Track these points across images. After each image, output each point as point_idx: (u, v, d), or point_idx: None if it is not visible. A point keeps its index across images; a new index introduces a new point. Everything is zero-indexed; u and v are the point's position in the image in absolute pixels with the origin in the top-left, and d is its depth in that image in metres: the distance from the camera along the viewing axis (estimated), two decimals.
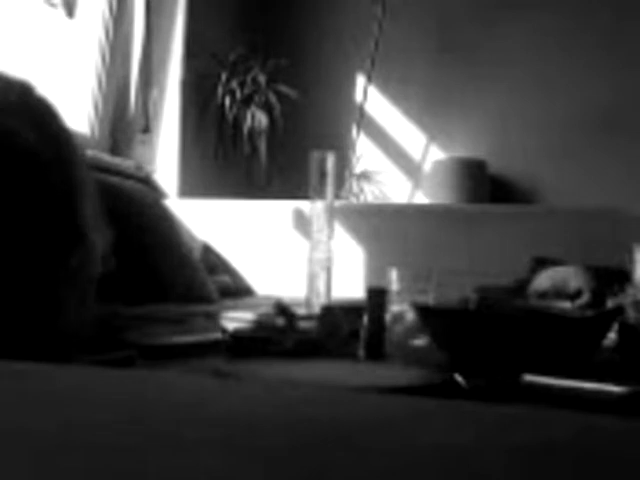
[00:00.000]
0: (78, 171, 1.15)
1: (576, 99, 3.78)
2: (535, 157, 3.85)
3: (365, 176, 3.95)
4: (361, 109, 3.88)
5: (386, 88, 3.99)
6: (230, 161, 3.62)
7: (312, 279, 1.84)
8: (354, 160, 3.87)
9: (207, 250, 2.75)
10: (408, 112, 4.00)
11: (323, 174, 1.86)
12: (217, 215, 2.98)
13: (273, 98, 3.66)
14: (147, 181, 2.87)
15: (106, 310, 1.39)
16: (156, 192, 2.85)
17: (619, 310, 1.24)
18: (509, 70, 3.87)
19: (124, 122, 3.27)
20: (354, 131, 3.88)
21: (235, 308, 1.91)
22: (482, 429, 0.52)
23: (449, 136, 3.97)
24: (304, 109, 3.75)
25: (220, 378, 1.00)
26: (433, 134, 3.98)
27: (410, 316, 1.27)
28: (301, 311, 1.51)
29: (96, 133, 3.16)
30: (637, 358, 1.19)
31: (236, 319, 1.50)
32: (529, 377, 0.97)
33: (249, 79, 3.67)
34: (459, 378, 0.99)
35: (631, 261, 1.43)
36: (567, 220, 2.76)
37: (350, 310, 1.36)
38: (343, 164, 3.64)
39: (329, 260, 1.86)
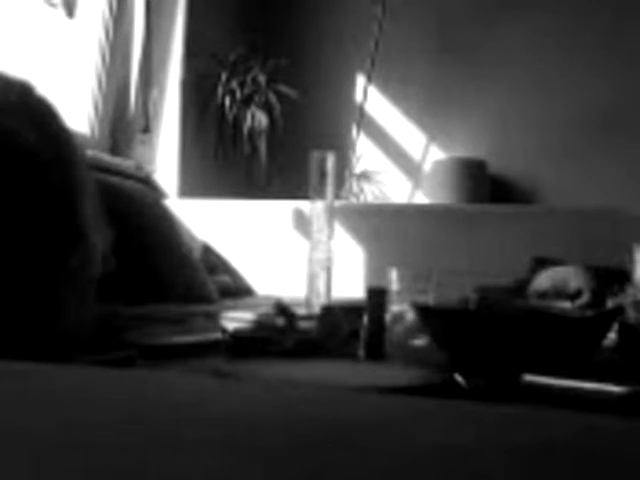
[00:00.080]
0: (78, 171, 1.15)
1: (576, 99, 3.78)
2: (535, 157, 3.85)
3: (365, 176, 3.95)
4: (361, 109, 3.88)
5: (386, 88, 3.99)
6: (230, 161, 3.62)
7: (312, 279, 1.84)
8: (354, 160, 3.87)
9: (207, 250, 2.75)
10: (408, 112, 4.00)
11: (323, 174, 1.86)
12: (217, 215, 2.98)
13: (273, 98, 3.66)
14: (147, 181, 2.87)
15: (106, 310, 1.39)
16: (156, 192, 2.85)
17: (619, 310, 1.24)
18: (509, 70, 3.87)
19: (124, 122, 3.27)
20: (354, 131, 3.88)
21: (235, 308, 1.90)
22: (482, 429, 0.52)
23: (449, 136, 3.97)
24: (304, 109, 3.75)
25: (220, 378, 1.00)
26: (433, 134, 3.98)
27: (410, 316, 1.27)
28: (301, 311, 1.51)
29: (96, 133, 3.16)
30: (637, 358, 1.19)
31: (236, 319, 1.50)
32: (529, 377, 0.97)
33: (249, 79, 3.67)
34: (459, 378, 0.99)
35: (631, 261, 1.43)
36: (567, 220, 2.76)
37: (350, 310, 1.36)
38: (343, 164, 3.64)
39: (329, 260, 1.86)
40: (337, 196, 2.76)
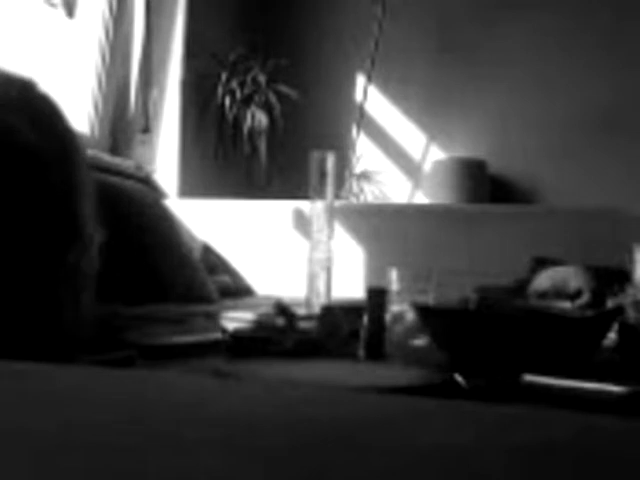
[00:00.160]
0: (78, 167, 1.15)
1: (576, 99, 3.78)
2: (535, 157, 3.85)
3: (365, 176, 3.95)
4: (361, 109, 3.88)
5: (386, 88, 3.99)
6: (230, 161, 3.62)
7: (312, 279, 1.84)
8: (354, 160, 3.87)
9: (207, 250, 2.75)
10: (408, 112, 4.00)
11: (323, 174, 1.86)
12: (217, 215, 2.98)
13: (273, 98, 3.66)
14: (147, 181, 2.87)
15: (106, 310, 1.39)
16: (156, 192, 2.85)
17: (619, 310, 1.24)
18: (509, 70, 3.87)
19: (124, 122, 3.27)
20: (354, 131, 3.88)
21: (235, 308, 1.90)
22: (482, 429, 0.52)
23: (449, 136, 3.97)
24: (304, 109, 3.75)
25: (220, 378, 1.00)
26: (433, 134, 3.98)
27: (410, 316, 1.27)
28: (301, 311, 1.51)
29: (96, 133, 3.16)
30: (637, 358, 1.19)
31: (236, 319, 1.50)
32: (529, 377, 0.97)
33: (249, 79, 3.67)
34: (459, 378, 0.99)
35: (631, 261, 1.43)
36: (567, 220, 2.76)
37: (350, 310, 1.36)
38: (343, 164, 3.64)
39: (329, 260, 1.86)
40: (337, 196, 2.76)
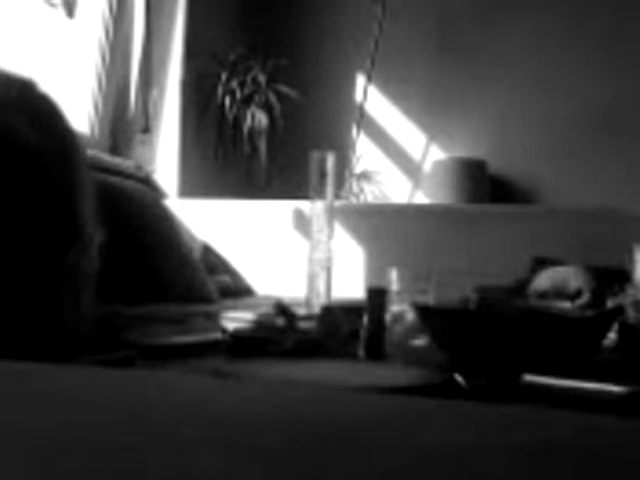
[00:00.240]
0: (78, 167, 1.15)
1: (576, 99, 3.78)
2: (535, 157, 3.85)
3: (365, 176, 3.95)
4: (361, 109, 3.88)
5: (386, 88, 3.99)
6: (230, 161, 3.62)
7: (312, 279, 1.84)
8: (354, 160, 3.87)
9: (207, 250, 2.75)
10: (408, 112, 4.00)
11: (323, 174, 1.86)
12: (217, 215, 2.98)
13: (273, 98, 3.66)
14: (147, 181, 2.87)
15: (106, 310, 1.39)
16: (156, 192, 2.85)
17: (619, 310, 1.24)
18: (509, 70, 3.87)
19: (124, 122, 3.27)
20: (354, 131, 3.88)
21: (235, 308, 1.90)
22: (482, 429, 0.52)
23: (449, 136, 3.97)
24: (304, 109, 3.75)
25: (220, 378, 1.00)
26: (433, 134, 3.98)
27: (410, 316, 1.27)
28: (301, 311, 1.51)
29: (96, 133, 3.16)
30: (637, 358, 1.19)
31: (236, 319, 1.50)
32: (529, 377, 0.97)
33: (249, 79, 3.67)
34: (459, 378, 0.99)
35: (631, 261, 1.43)
36: (567, 220, 2.76)
37: (350, 310, 1.36)
38: (343, 164, 3.64)
39: (329, 260, 1.86)
40: (337, 196, 2.76)
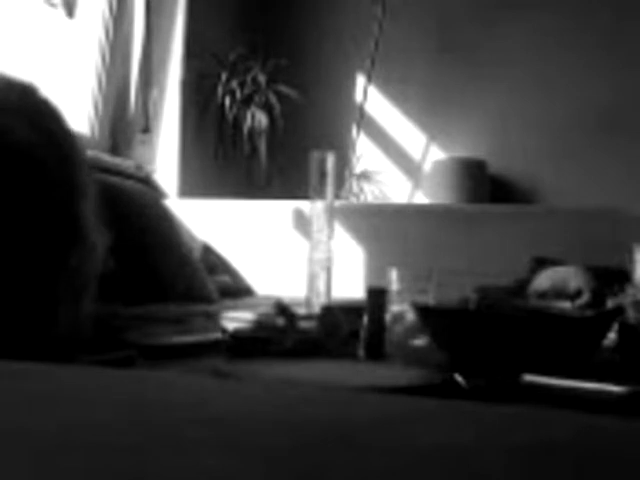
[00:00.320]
0: (79, 172, 1.15)
1: (576, 99, 3.78)
2: (535, 157, 3.85)
3: (365, 176, 3.95)
4: (361, 109, 3.88)
5: (386, 88, 3.99)
6: (230, 161, 3.62)
7: (312, 279, 1.84)
8: (354, 160, 3.87)
9: (207, 250, 2.75)
10: (408, 112, 4.00)
11: (323, 174, 1.86)
12: (217, 215, 2.98)
13: (273, 98, 3.66)
14: (147, 181, 2.87)
15: (106, 310, 1.39)
16: (156, 192, 2.85)
17: (619, 310, 1.24)
18: (509, 70, 3.87)
19: (124, 122, 3.27)
20: (354, 131, 3.88)
21: (235, 308, 1.90)
22: (482, 429, 0.52)
23: (449, 136, 3.97)
24: (304, 109, 3.75)
25: (220, 378, 1.00)
26: (433, 134, 3.98)
27: (410, 316, 1.27)
28: (301, 311, 1.51)
29: (96, 133, 3.16)
30: (637, 358, 1.19)
31: (236, 319, 1.50)
32: (529, 377, 0.97)
33: (249, 79, 3.67)
34: (459, 378, 0.99)
35: (631, 261, 1.43)
36: (567, 220, 2.76)
37: (350, 310, 1.36)
38: (343, 164, 3.64)
39: (329, 260, 1.86)
40: (337, 196, 2.76)
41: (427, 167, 3.89)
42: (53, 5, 2.92)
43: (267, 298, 1.99)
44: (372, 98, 3.93)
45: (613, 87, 3.73)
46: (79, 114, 3.08)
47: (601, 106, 3.73)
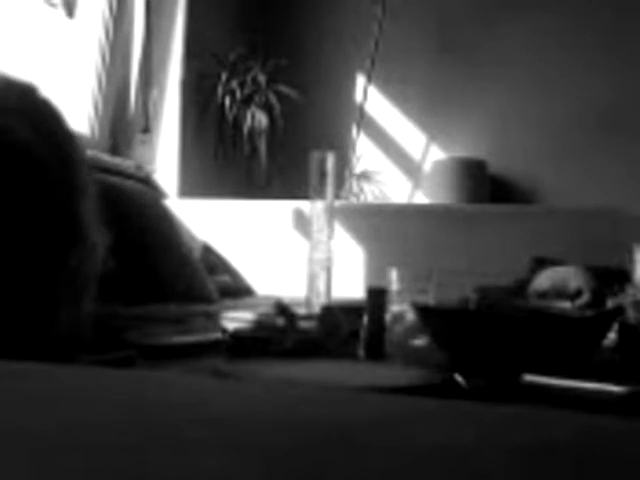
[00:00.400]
0: (79, 172, 1.15)
1: (576, 99, 3.78)
2: (535, 157, 3.85)
3: (365, 176, 3.95)
4: (361, 109, 3.88)
5: (386, 88, 3.99)
6: (230, 161, 3.62)
7: (312, 279, 1.84)
8: (354, 160, 3.87)
9: (207, 250, 2.75)
10: (408, 112, 4.00)
11: (323, 174, 1.86)
12: (217, 215, 2.98)
13: (273, 98, 3.66)
14: (147, 181, 2.87)
15: (106, 310, 1.39)
16: (156, 192, 2.85)
17: (619, 310, 1.24)
18: (509, 70, 3.87)
19: (124, 122, 3.27)
20: (354, 131, 3.88)
21: (235, 308, 1.90)
22: (482, 429, 0.52)
23: (449, 136, 3.97)
24: (304, 109, 3.75)
25: (220, 378, 1.00)
26: (433, 134, 3.98)
27: (410, 316, 1.27)
28: (301, 311, 1.51)
29: (96, 133, 3.16)
30: (637, 358, 1.19)
31: (236, 319, 1.50)
32: (529, 377, 0.97)
33: (249, 79, 3.67)
34: (459, 378, 0.99)
35: (631, 261, 1.43)
36: (567, 220, 2.76)
37: (350, 310, 1.36)
38: (343, 164, 3.64)
39: (329, 260, 1.86)
40: (337, 196, 2.76)
41: (427, 167, 3.89)
42: (53, 5, 2.92)
43: (267, 298, 1.99)
44: (372, 98, 3.93)
45: (613, 87, 3.73)
46: (79, 114, 3.08)
47: (601, 106, 3.73)
